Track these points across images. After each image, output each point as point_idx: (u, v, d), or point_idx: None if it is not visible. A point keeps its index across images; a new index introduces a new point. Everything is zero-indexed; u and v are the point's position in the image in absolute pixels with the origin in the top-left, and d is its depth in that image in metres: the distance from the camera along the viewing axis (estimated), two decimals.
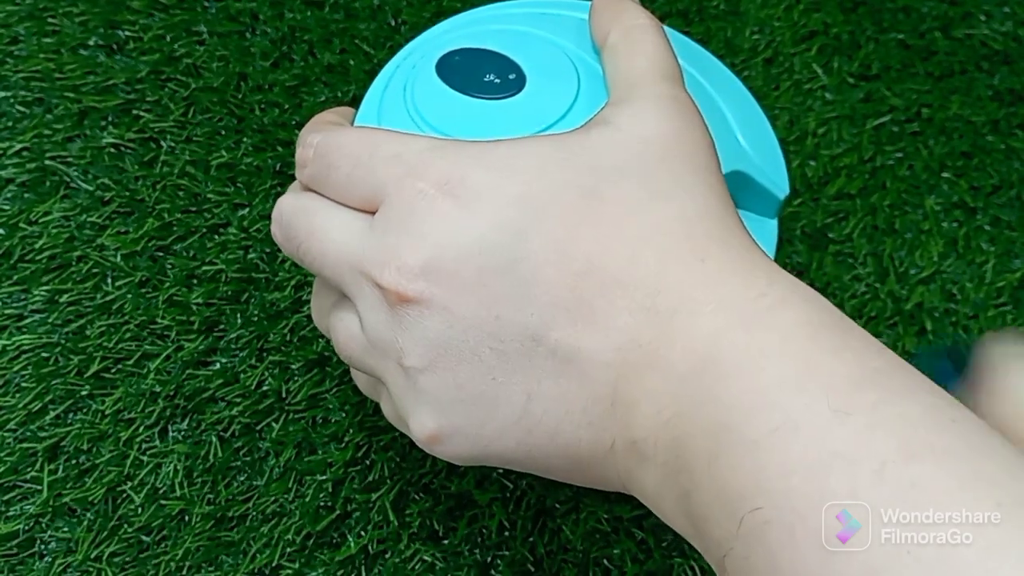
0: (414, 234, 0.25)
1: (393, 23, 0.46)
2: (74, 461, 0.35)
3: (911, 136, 0.47)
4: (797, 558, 0.20)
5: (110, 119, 0.42)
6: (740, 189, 0.30)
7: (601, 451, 0.25)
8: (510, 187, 0.24)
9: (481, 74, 0.29)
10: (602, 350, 0.24)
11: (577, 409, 0.24)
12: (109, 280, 0.39)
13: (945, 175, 0.46)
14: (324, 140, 0.28)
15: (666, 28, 0.30)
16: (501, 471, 0.37)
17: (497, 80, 0.28)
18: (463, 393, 0.25)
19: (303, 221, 0.28)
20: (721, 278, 0.24)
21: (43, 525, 0.34)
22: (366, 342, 0.27)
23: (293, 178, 0.42)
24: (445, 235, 0.24)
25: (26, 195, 0.40)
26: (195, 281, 0.39)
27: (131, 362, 0.37)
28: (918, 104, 0.48)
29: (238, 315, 0.39)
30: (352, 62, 0.44)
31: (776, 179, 0.31)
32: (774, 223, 0.31)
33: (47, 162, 0.40)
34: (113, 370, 0.37)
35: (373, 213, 0.26)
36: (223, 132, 0.42)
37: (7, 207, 0.39)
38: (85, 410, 0.36)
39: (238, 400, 0.37)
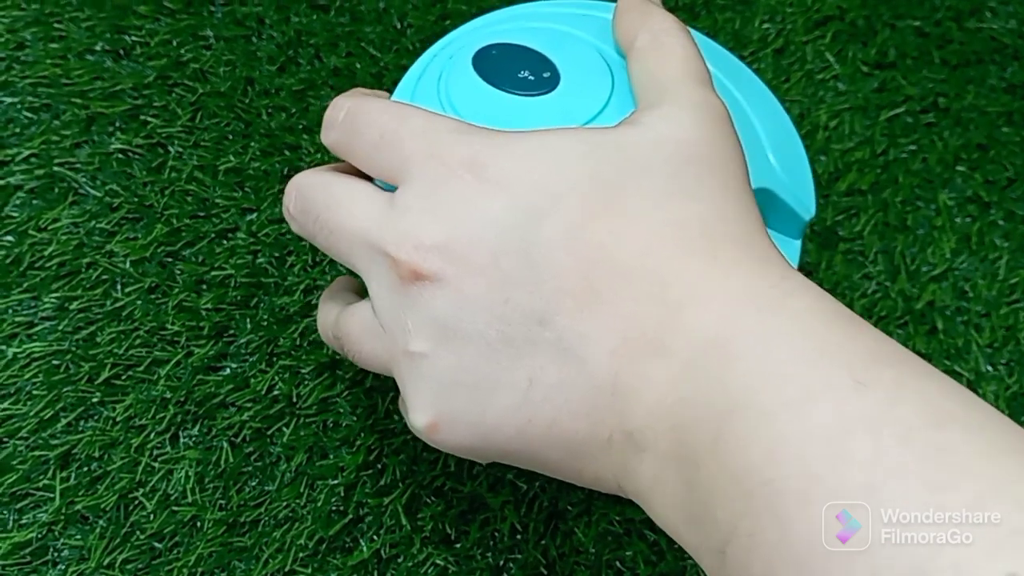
0: (434, 212, 0.25)
1: (399, 26, 0.46)
2: (86, 468, 0.35)
3: (926, 127, 0.46)
4: (811, 524, 0.19)
5: (118, 125, 0.42)
6: (765, 207, 0.29)
7: (598, 444, 0.24)
8: (531, 174, 0.25)
9: (516, 70, 0.29)
10: (606, 338, 0.24)
11: (576, 398, 0.24)
12: (119, 286, 0.39)
13: (960, 168, 0.45)
14: (355, 105, 0.28)
15: (696, 33, 0.30)
16: (513, 474, 0.37)
17: (531, 77, 0.29)
18: (466, 377, 0.25)
19: (321, 195, 0.28)
20: (733, 272, 0.24)
21: (56, 533, 0.34)
22: (378, 328, 0.27)
23: None
24: (464, 216, 0.25)
25: (35, 202, 0.40)
26: (204, 286, 0.39)
27: (141, 368, 0.37)
28: (934, 94, 0.47)
29: (247, 320, 0.39)
30: (358, 65, 0.44)
31: (803, 199, 0.30)
32: (797, 244, 0.31)
33: (55, 168, 0.40)
34: (123, 377, 0.37)
35: (390, 187, 0.26)
36: (230, 137, 0.42)
37: (16, 214, 0.40)
38: (96, 417, 0.36)
39: (248, 405, 0.37)
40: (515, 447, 0.26)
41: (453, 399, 0.25)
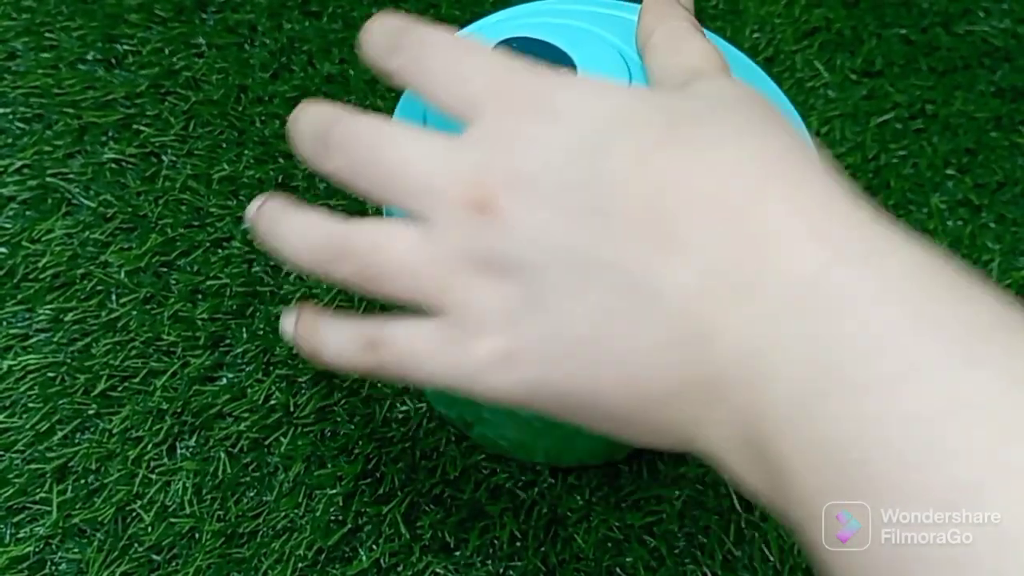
0: (503, 149, 0.24)
1: None
2: (83, 481, 0.35)
3: (915, 133, 0.47)
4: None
5: (110, 134, 0.42)
6: None
7: (669, 390, 0.23)
8: (601, 107, 0.24)
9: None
10: (682, 275, 0.22)
11: (648, 338, 0.22)
12: (113, 297, 0.38)
13: (949, 172, 0.46)
14: (420, 30, 0.26)
15: (710, 34, 0.30)
16: (512, 481, 0.37)
17: None
18: (531, 309, 0.23)
19: (368, 129, 0.26)
20: (820, 205, 0.22)
21: (54, 547, 0.34)
22: (430, 262, 0.25)
23: (296, 190, 0.41)
24: (532, 151, 0.24)
25: (28, 213, 0.40)
26: (200, 296, 0.39)
27: (137, 380, 0.37)
28: (921, 100, 0.48)
29: (243, 329, 0.38)
30: (352, 72, 0.44)
31: None
32: None
33: (48, 179, 0.40)
34: (120, 388, 0.37)
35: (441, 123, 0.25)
36: (224, 145, 0.42)
37: (9, 225, 0.39)
38: (92, 429, 0.36)
39: (246, 415, 0.37)
40: (581, 389, 0.24)
41: (520, 329, 0.24)
